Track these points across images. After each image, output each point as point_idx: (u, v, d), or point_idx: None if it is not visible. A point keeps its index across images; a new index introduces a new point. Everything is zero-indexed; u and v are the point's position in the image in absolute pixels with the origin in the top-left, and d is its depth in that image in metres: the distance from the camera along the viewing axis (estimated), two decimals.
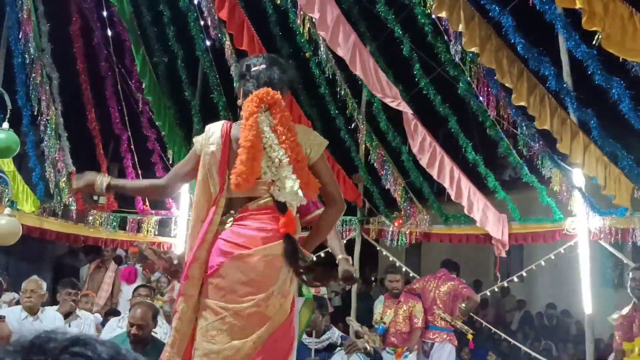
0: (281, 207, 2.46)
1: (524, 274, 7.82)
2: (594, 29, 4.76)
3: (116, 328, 5.39)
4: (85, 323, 5.69)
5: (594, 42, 5.02)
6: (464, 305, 6.39)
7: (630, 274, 4.84)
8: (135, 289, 6.13)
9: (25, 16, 7.16)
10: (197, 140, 2.66)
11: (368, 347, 6.33)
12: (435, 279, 6.66)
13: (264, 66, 2.60)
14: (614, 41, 4.70)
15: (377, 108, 7.55)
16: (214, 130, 2.59)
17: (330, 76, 7.18)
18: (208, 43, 8.10)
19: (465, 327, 6.48)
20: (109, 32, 8.46)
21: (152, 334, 4.40)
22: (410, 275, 8.28)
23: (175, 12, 8.25)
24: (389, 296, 6.45)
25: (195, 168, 2.62)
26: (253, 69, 2.61)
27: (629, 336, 4.65)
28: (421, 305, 6.24)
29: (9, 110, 3.95)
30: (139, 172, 8.97)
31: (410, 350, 6.08)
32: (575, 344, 8.89)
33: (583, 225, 6.59)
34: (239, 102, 2.63)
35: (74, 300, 5.75)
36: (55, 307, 5.67)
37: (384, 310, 6.26)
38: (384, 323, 6.14)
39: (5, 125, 3.77)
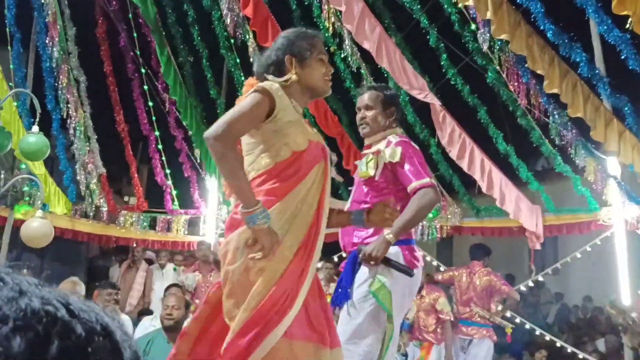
0: None
1: (559, 267, 7.65)
2: (624, 13, 4.62)
3: (149, 327, 5.40)
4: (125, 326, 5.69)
5: (627, 26, 4.87)
6: (497, 299, 6.23)
7: None
8: (167, 288, 6.15)
9: (51, 20, 7.23)
10: None
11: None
12: (468, 273, 6.51)
13: None
14: None
15: (404, 100, 7.45)
16: None
17: (356, 70, 7.10)
18: (232, 41, 8.10)
19: (504, 322, 6.32)
20: (135, 34, 8.51)
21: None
22: (441, 268, 8.16)
23: (199, 11, 8.26)
24: None
25: None
26: None
27: None
28: (445, 298, 6.05)
29: (38, 114, 3.97)
30: (167, 171, 9.03)
31: (447, 346, 5.92)
32: (614, 335, 8.68)
33: (619, 215, 6.43)
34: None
35: (115, 301, 5.78)
36: None
37: None
38: (407, 319, 5.96)
39: (35, 128, 3.79)
